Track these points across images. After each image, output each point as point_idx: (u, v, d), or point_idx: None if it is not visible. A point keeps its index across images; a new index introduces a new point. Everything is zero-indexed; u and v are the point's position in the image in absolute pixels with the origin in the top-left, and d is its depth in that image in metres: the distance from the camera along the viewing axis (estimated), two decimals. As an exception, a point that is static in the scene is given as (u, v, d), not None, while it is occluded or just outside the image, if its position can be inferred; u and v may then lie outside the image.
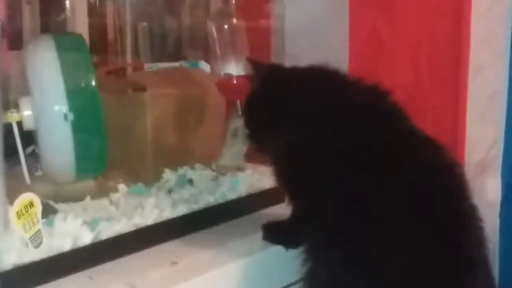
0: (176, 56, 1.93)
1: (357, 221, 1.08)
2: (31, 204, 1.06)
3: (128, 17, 1.92)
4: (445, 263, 1.04)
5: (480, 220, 1.13)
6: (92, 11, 1.87)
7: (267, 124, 1.23)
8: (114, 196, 1.33)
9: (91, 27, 1.79)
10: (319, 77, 1.23)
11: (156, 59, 1.90)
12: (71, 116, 1.22)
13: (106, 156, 1.28)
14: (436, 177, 1.10)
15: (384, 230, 1.06)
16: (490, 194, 1.63)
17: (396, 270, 1.03)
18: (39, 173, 1.33)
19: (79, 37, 1.34)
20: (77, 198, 1.29)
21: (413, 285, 1.03)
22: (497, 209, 1.64)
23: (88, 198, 1.29)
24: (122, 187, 1.36)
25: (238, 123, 1.46)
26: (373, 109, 1.18)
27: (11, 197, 1.07)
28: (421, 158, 1.11)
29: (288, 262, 1.19)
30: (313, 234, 1.14)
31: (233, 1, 1.59)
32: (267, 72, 1.29)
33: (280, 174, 1.23)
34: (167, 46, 2.03)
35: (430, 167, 1.11)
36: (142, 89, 1.42)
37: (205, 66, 1.57)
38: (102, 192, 1.34)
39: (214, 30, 1.52)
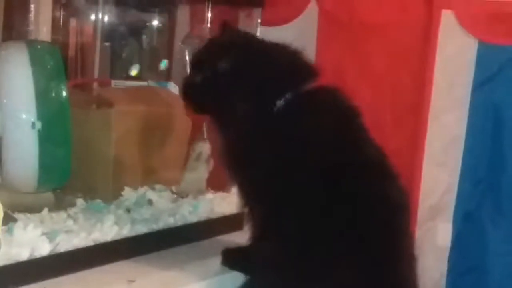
0: (137, 77, 1.92)
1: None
2: (-8, 211, 1.04)
3: (95, 35, 1.90)
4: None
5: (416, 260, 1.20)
6: (56, 26, 1.85)
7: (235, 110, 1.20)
8: (72, 211, 1.31)
9: (53, 42, 1.77)
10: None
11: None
12: (39, 125, 1.20)
13: (69, 169, 1.26)
14: (384, 206, 1.14)
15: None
16: (440, 239, 1.65)
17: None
18: (-1, 180, 1.32)
19: (53, 46, 1.32)
20: (35, 209, 1.26)
21: None
22: (446, 254, 1.67)
23: (45, 210, 1.26)
24: (80, 201, 1.34)
25: (202, 147, 1.46)
26: (339, 127, 1.19)
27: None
28: (375, 188, 1.14)
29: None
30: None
31: (208, 26, 1.59)
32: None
33: (237, 169, 1.23)
34: (127, 67, 2.02)
35: (381, 196, 1.14)
36: (109, 104, 1.40)
37: (173, 88, 1.56)
38: (60, 205, 1.32)
39: (186, 52, 1.52)
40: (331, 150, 1.15)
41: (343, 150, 1.16)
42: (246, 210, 1.24)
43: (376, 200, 1.13)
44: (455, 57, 1.60)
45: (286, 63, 1.21)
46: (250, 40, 1.28)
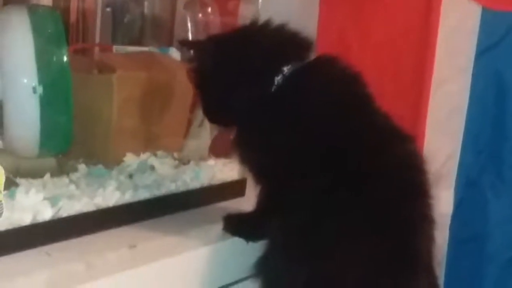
0: (138, 43, 1.91)
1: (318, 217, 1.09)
2: (-6, 174, 1.04)
3: (96, 0, 1.89)
4: (393, 260, 1.07)
5: (433, 222, 1.15)
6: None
7: (231, 101, 1.20)
8: (74, 176, 1.31)
9: (54, 7, 1.76)
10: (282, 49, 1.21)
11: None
12: (40, 90, 1.19)
13: (71, 134, 1.26)
14: (401, 174, 1.12)
15: (342, 230, 1.07)
16: (442, 206, 1.65)
17: (347, 262, 1.06)
18: (-1, 146, 1.32)
19: (54, 11, 1.31)
20: (36, 174, 1.26)
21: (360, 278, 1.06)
22: (447, 221, 1.67)
23: (47, 175, 1.26)
24: (82, 167, 1.34)
25: (205, 113, 1.46)
26: (344, 96, 1.17)
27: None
28: (387, 154, 1.12)
29: (247, 254, 1.20)
30: (275, 228, 1.14)
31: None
32: (215, 46, 1.23)
33: (246, 155, 1.22)
34: (129, 33, 2.01)
35: (395, 164, 1.12)
36: (110, 70, 1.40)
37: (175, 53, 1.56)
38: (62, 170, 1.32)
39: (188, 18, 1.51)
40: (338, 119, 1.13)
41: (351, 118, 1.14)
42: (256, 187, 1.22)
43: (391, 165, 1.11)
44: (458, 24, 1.60)
45: (274, 41, 1.20)
46: (229, 33, 1.27)
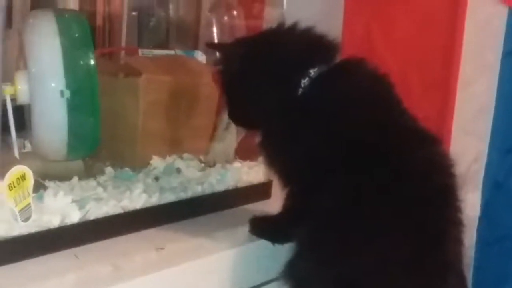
0: (164, 46, 1.92)
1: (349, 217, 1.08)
2: (23, 177, 1.05)
3: (122, 4, 1.90)
4: (423, 261, 1.06)
5: (462, 225, 1.15)
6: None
7: (258, 104, 1.21)
8: (101, 179, 1.32)
9: (80, 11, 1.78)
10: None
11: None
12: (67, 94, 1.21)
13: (99, 137, 1.27)
14: (430, 176, 1.11)
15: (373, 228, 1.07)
16: (468, 209, 1.64)
17: (377, 263, 1.05)
18: (25, 149, 1.33)
19: (81, 15, 1.33)
20: (64, 177, 1.27)
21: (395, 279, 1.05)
22: (475, 224, 1.66)
23: (75, 178, 1.27)
24: (109, 170, 1.35)
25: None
26: (372, 97, 1.17)
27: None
28: (417, 156, 1.11)
29: (273, 257, 1.20)
30: (302, 231, 1.14)
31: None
32: (242, 49, 1.23)
33: (272, 157, 1.22)
34: (155, 36, 2.02)
35: (426, 166, 1.11)
36: (137, 73, 1.41)
37: (200, 56, 1.56)
38: (89, 173, 1.33)
39: (213, 21, 1.51)
40: (366, 121, 1.12)
41: (379, 119, 1.13)
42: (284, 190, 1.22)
43: (420, 167, 1.10)
44: (484, 24, 1.58)
45: (301, 44, 1.20)
46: (256, 36, 1.27)
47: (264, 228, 1.25)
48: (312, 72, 1.16)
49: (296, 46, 1.19)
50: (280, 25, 1.23)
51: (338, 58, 1.19)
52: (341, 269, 1.07)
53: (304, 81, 1.16)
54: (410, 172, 1.09)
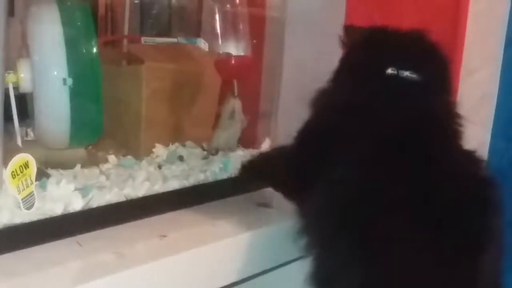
0: (167, 34, 1.92)
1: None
2: (26, 165, 1.05)
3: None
4: (452, 270, 1.01)
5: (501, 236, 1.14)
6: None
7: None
8: (104, 167, 1.32)
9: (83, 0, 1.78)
10: None
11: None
12: (70, 82, 1.21)
13: (101, 125, 1.28)
14: (467, 184, 1.09)
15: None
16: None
17: (405, 268, 1.00)
18: (28, 137, 1.33)
19: (83, 3, 1.32)
20: (67, 165, 1.27)
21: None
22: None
23: (78, 166, 1.28)
24: (112, 158, 1.35)
25: (234, 104, 1.46)
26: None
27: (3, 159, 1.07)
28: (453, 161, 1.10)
29: (277, 244, 1.21)
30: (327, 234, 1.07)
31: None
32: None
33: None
34: (157, 24, 2.02)
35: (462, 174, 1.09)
36: (139, 61, 1.41)
37: (203, 44, 1.56)
38: (92, 161, 1.33)
39: (216, 8, 1.51)
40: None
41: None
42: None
43: (457, 174, 1.08)
44: (487, 13, 1.58)
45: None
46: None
47: (254, 166, 1.27)
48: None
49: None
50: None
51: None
52: (367, 272, 1.01)
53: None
54: (446, 178, 1.06)
